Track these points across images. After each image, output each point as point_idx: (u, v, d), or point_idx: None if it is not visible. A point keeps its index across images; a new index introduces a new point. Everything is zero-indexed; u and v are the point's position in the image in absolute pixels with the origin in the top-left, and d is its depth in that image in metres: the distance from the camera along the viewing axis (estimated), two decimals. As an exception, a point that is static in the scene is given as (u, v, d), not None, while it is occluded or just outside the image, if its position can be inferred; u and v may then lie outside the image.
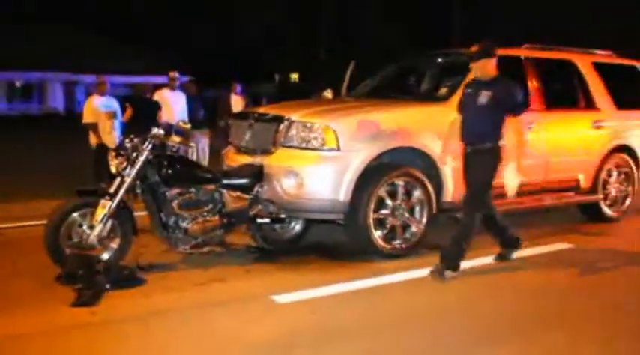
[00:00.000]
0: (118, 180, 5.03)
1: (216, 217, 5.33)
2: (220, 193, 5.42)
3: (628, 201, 7.91)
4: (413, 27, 22.33)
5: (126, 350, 3.73)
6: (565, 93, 7.57)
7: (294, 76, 26.04)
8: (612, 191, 7.77)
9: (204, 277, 5.10)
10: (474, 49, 5.29)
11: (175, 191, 5.17)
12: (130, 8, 24.97)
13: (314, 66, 21.04)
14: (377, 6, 23.05)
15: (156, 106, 9.31)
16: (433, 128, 5.98)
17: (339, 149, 5.45)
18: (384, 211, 5.67)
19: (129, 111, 9.28)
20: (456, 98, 6.19)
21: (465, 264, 5.34)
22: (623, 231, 7.42)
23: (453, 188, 6.06)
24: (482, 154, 5.17)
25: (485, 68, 5.21)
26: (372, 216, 5.56)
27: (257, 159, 5.70)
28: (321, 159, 5.46)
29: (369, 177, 5.54)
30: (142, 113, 8.85)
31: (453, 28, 23.76)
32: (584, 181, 7.42)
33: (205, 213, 5.29)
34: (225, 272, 5.26)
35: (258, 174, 5.54)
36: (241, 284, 5.00)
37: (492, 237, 5.59)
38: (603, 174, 7.61)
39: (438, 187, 6.00)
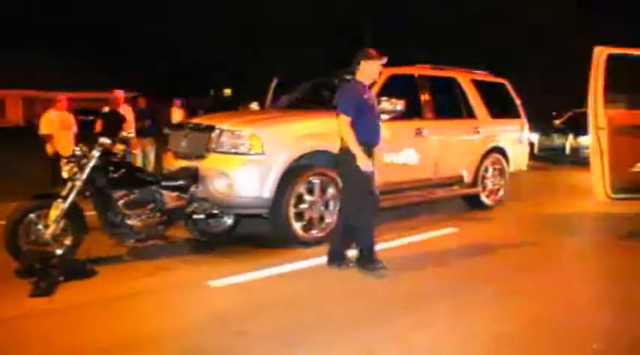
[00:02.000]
0: (70, 184, 5.00)
1: (158, 215, 5.36)
2: (161, 194, 5.43)
3: (501, 192, 8.45)
4: (329, 49, 22.64)
5: (81, 333, 3.72)
6: (450, 105, 7.92)
7: (227, 91, 25.82)
8: (489, 184, 8.27)
9: (148, 267, 5.13)
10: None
11: (121, 192, 5.17)
12: (90, 31, 24.14)
13: (244, 82, 21.06)
14: (295, 33, 23.23)
15: (122, 119, 9.14)
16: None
17: (263, 153, 5.57)
18: (302, 205, 5.83)
19: (99, 124, 9.26)
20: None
21: (377, 247, 5.57)
22: (497, 216, 7.92)
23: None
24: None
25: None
26: (292, 210, 5.73)
27: (192, 164, 5.75)
28: (248, 162, 5.57)
29: (290, 176, 5.71)
30: (110, 125, 8.70)
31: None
32: (467, 177, 7.85)
33: (148, 211, 5.31)
34: (166, 262, 5.30)
35: (193, 177, 5.61)
36: (180, 273, 5.03)
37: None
38: (482, 171, 8.06)
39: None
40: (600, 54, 6.91)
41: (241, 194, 5.55)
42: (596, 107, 6.90)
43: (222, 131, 5.71)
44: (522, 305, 4.28)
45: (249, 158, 5.57)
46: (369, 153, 4.94)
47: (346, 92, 4.99)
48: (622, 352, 3.55)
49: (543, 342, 3.60)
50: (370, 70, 4.99)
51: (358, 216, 4.98)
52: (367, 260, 5.02)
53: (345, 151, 4.93)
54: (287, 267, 5.13)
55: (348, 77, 5.20)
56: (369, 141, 4.94)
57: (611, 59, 6.85)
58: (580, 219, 7.90)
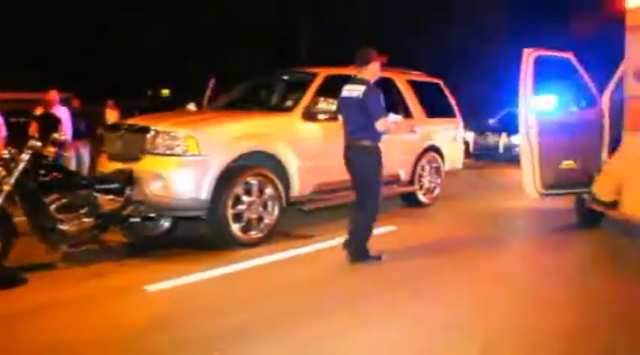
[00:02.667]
0: (-3, 188, 4.81)
1: (92, 219, 5.24)
2: (95, 197, 5.32)
3: (438, 190, 8.66)
4: (267, 50, 22.58)
5: (10, 343, 3.61)
6: (387, 105, 8.00)
7: (165, 91, 25.32)
8: (426, 182, 8.45)
9: (82, 273, 5.01)
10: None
11: (52, 196, 5.03)
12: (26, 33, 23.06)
13: (183, 82, 20.76)
14: (233, 33, 23.03)
15: (57, 121, 8.85)
16: (281, 134, 6.24)
17: (199, 154, 5.54)
18: (240, 206, 5.83)
19: (33, 127, 9.02)
20: (299, 109, 6.49)
21: (315, 247, 5.77)
22: (434, 213, 8.13)
23: (298, 185, 6.32)
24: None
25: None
26: (230, 211, 5.71)
27: (128, 166, 5.65)
28: (184, 163, 5.53)
29: (227, 177, 5.70)
30: (46, 128, 8.41)
31: (301, 50, 24.25)
32: (404, 175, 8.01)
33: (81, 216, 5.19)
34: (101, 268, 5.18)
35: (128, 179, 5.51)
36: (116, 278, 4.93)
37: None
38: (419, 169, 8.25)
39: (287, 184, 6.22)
40: (529, 55, 7.19)
41: (178, 196, 5.50)
42: (526, 106, 7.18)
43: (157, 132, 5.65)
44: (454, 298, 4.44)
45: (186, 159, 5.53)
46: None
47: (377, 95, 5.23)
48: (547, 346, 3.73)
49: (471, 331, 3.74)
50: (376, 71, 5.35)
51: (374, 208, 5.28)
52: (358, 252, 5.29)
53: (366, 146, 5.20)
54: (225, 269, 5.11)
55: (359, 77, 5.37)
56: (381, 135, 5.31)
57: (540, 60, 7.14)
58: (512, 215, 8.19)
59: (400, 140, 7.95)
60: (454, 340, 3.60)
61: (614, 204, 6.02)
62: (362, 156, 5.27)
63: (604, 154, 6.72)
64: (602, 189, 6.31)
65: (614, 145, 6.36)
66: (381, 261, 5.32)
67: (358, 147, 5.24)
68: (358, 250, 5.32)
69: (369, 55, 5.28)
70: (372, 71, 5.30)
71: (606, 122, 6.71)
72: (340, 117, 5.71)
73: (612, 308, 4.26)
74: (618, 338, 3.67)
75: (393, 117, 5.48)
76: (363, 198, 5.38)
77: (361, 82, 5.27)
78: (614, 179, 5.98)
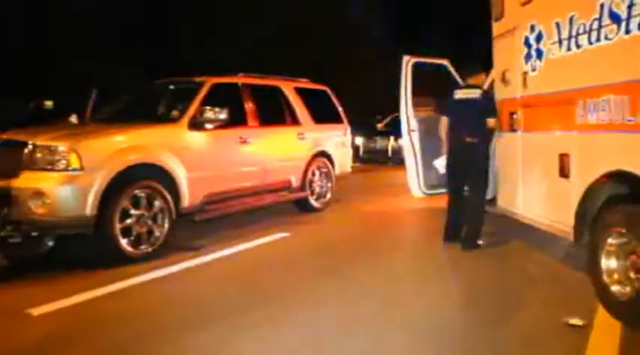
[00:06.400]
0: None
1: (-36, 241, 4.92)
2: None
3: (329, 195, 8.92)
4: (149, 58, 22.01)
5: None
6: (275, 112, 8.22)
7: (49, 103, 23.94)
8: (317, 188, 8.68)
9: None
10: None
11: None
12: None
13: (66, 93, 19.79)
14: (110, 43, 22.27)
15: None
16: (167, 145, 6.19)
17: (82, 168, 5.38)
18: (129, 220, 5.72)
19: None
20: (185, 119, 6.47)
21: (206, 258, 5.76)
22: (326, 217, 8.39)
23: (188, 196, 6.29)
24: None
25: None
26: (118, 226, 5.59)
27: (4, 183, 5.35)
28: (65, 178, 5.34)
29: (113, 191, 5.56)
30: None
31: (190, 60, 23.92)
32: (295, 181, 8.19)
33: (-47, 238, 4.85)
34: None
35: (5, 197, 5.23)
36: (-4, 302, 4.68)
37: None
38: (309, 175, 8.47)
39: (176, 196, 6.18)
40: (407, 62, 7.61)
41: (60, 213, 5.29)
42: (407, 111, 7.59)
43: (35, 146, 5.42)
44: (345, 303, 4.61)
45: (67, 174, 5.34)
46: None
47: (493, 97, 6.21)
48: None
49: (361, 336, 3.92)
50: (484, 79, 6.45)
51: (485, 198, 6.11)
52: (474, 240, 5.98)
53: (479, 144, 5.94)
54: (115, 286, 4.98)
55: (470, 83, 6.26)
56: None
57: (417, 66, 7.59)
58: (399, 215, 8.64)
59: (289, 146, 8.16)
60: (343, 347, 3.70)
61: (492, 201, 6.49)
62: (478, 152, 5.95)
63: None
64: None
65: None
66: (480, 247, 6.01)
67: (474, 144, 5.93)
68: (474, 238, 6.00)
69: (479, 67, 6.32)
70: (480, 79, 6.31)
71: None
72: (445, 118, 6.29)
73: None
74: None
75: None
76: (477, 190, 6.05)
77: (474, 86, 6.17)
78: (492, 177, 6.45)
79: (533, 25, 5.35)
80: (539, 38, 5.26)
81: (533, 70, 5.41)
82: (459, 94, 6.20)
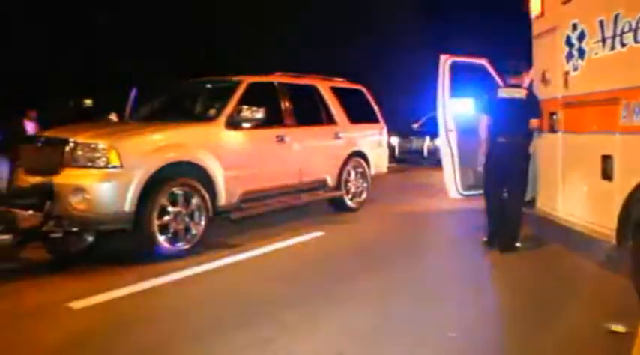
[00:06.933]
0: None
1: (10, 235, 5.06)
2: (12, 213, 5.14)
3: (364, 195, 8.88)
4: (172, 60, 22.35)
5: None
6: (311, 111, 8.23)
7: (88, 101, 24.44)
8: (352, 187, 8.66)
9: (1, 292, 4.83)
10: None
11: (-36, 214, 4.83)
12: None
13: (106, 91, 20.20)
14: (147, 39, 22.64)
15: None
16: (205, 143, 6.25)
17: (122, 166, 5.48)
18: (166, 218, 5.80)
19: None
20: (222, 117, 6.53)
21: (242, 256, 5.79)
22: (361, 217, 8.34)
23: (225, 194, 6.34)
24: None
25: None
26: (156, 223, 5.67)
27: (47, 179, 5.49)
28: (105, 175, 5.45)
29: (151, 188, 5.65)
30: None
31: (221, 58, 24.15)
32: (330, 181, 8.18)
33: (-2, 233, 5.00)
34: (22, 285, 5.03)
35: (48, 193, 5.36)
36: (38, 295, 4.78)
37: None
38: (345, 175, 8.44)
39: (213, 194, 6.23)
40: (445, 61, 7.54)
41: (100, 210, 5.40)
42: (444, 111, 7.52)
43: (76, 144, 5.55)
44: (383, 302, 4.59)
45: (107, 171, 5.45)
46: None
47: (537, 97, 6.06)
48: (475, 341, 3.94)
49: (400, 335, 3.89)
50: (526, 79, 6.36)
51: (524, 199, 6.11)
52: (513, 242, 5.89)
53: (523, 143, 5.97)
54: (153, 282, 5.06)
55: (514, 83, 6.15)
56: None
57: (455, 66, 7.51)
58: (436, 216, 8.54)
59: (325, 146, 8.16)
60: (382, 346, 3.71)
61: (531, 203, 6.38)
62: (520, 151, 5.94)
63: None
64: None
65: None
66: (518, 249, 5.93)
67: (517, 143, 5.92)
68: (512, 241, 5.92)
69: (523, 67, 6.23)
70: (523, 79, 6.25)
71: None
72: (485, 117, 6.12)
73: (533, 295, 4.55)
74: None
75: None
76: (517, 190, 5.99)
77: (518, 86, 6.11)
78: (530, 179, 6.34)
79: (575, 24, 5.23)
80: (581, 37, 5.15)
81: (575, 69, 5.29)
82: (503, 93, 6.08)
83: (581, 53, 5.15)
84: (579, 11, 5.21)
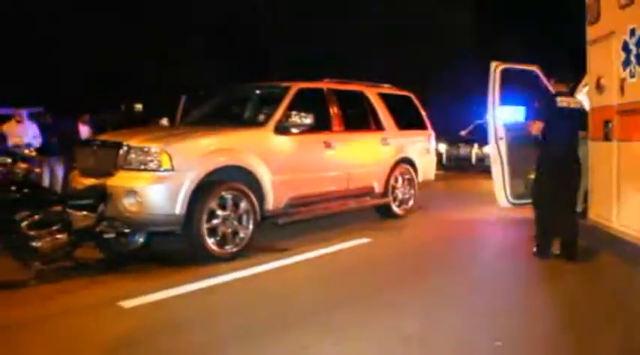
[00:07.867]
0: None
1: (65, 235, 5.24)
2: (67, 213, 5.32)
3: (411, 202, 8.81)
4: (232, 63, 22.70)
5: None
6: (359, 118, 8.24)
7: (139, 106, 25.15)
8: (399, 194, 8.61)
9: (55, 290, 4.97)
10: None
11: (24, 213, 5.01)
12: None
13: (156, 95, 20.72)
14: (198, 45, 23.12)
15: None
16: (254, 148, 6.33)
17: (173, 169, 5.60)
18: (215, 221, 5.88)
19: None
20: (272, 123, 6.59)
21: (289, 261, 5.83)
22: (408, 225, 8.29)
23: (272, 199, 6.40)
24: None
25: None
26: (205, 226, 5.76)
27: (100, 181, 5.66)
28: (157, 179, 5.58)
29: (201, 192, 5.75)
30: None
31: (271, 63, 24.45)
32: (377, 187, 8.15)
33: (54, 232, 5.18)
34: (75, 284, 5.16)
35: (102, 195, 5.53)
36: (90, 294, 4.92)
37: None
38: (392, 181, 8.40)
39: (261, 198, 6.30)
40: (496, 68, 7.44)
41: (152, 211, 5.53)
42: (495, 118, 7.42)
43: (130, 148, 5.70)
44: (430, 309, 4.55)
45: (159, 175, 5.58)
46: None
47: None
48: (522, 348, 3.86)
49: (446, 342, 3.85)
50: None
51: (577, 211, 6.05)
52: (574, 251, 5.77)
53: (576, 154, 5.87)
54: (201, 284, 5.14)
55: (564, 91, 6.04)
56: None
57: (505, 73, 7.40)
58: (485, 225, 8.39)
59: (373, 152, 8.13)
60: (428, 353, 3.68)
61: (583, 213, 6.23)
62: (575, 161, 5.85)
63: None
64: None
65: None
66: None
67: (572, 153, 5.85)
68: (574, 248, 5.79)
69: (569, 73, 6.17)
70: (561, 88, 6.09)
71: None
72: (541, 125, 5.85)
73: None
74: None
75: None
76: (572, 200, 5.90)
77: (568, 94, 6.07)
78: (582, 189, 6.19)
79: (634, 29, 5.10)
80: (639, 43, 5.01)
81: (632, 76, 5.16)
82: (563, 103, 5.89)
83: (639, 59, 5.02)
84: (639, 16, 5.07)
